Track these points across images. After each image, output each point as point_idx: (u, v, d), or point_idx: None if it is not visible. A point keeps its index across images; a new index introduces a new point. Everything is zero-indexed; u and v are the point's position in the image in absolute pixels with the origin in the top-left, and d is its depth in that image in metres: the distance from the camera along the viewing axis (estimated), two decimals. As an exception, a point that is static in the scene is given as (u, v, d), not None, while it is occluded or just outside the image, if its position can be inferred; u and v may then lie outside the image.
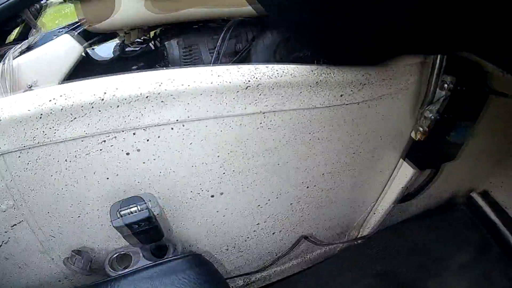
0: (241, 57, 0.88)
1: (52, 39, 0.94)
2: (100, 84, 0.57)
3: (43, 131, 0.58)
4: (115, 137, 0.59)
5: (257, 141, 0.64)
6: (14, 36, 1.07)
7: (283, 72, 0.58)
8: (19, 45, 0.95)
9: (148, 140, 0.60)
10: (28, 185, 0.63)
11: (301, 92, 0.59)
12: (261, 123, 0.62)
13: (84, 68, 0.98)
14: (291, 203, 0.75)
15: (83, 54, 1.00)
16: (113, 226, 0.58)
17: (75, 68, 0.92)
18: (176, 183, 0.65)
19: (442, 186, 0.87)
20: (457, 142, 0.76)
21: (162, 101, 0.58)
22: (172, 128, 0.60)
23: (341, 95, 0.60)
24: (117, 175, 0.63)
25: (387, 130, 0.70)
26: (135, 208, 0.59)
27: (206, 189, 0.67)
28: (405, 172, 0.78)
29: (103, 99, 0.56)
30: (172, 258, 0.65)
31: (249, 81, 0.57)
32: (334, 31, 0.53)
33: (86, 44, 0.99)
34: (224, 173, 0.66)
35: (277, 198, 0.73)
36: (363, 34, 0.51)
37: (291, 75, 0.58)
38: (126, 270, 0.67)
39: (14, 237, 0.71)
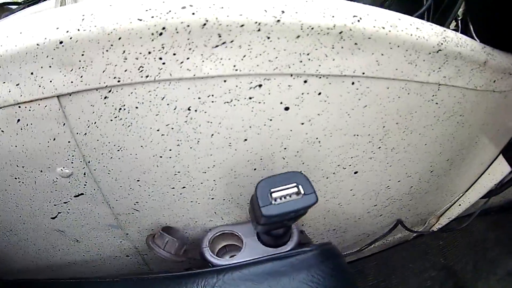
0: None
1: None
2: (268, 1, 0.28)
3: (161, 59, 0.30)
4: (279, 83, 0.32)
5: (422, 115, 0.42)
6: None
7: (465, 42, 0.36)
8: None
9: (319, 94, 0.34)
10: (112, 143, 0.36)
11: (471, 69, 0.38)
12: (433, 95, 0.40)
13: None
14: (411, 186, 0.54)
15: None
16: (262, 214, 0.33)
17: None
18: (329, 154, 0.40)
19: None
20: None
21: (355, 44, 0.32)
22: (353, 83, 0.34)
23: (494, 81, 0.41)
24: (260, 136, 0.36)
25: (502, 124, 0.54)
26: (294, 190, 0.34)
27: (355, 164, 0.43)
28: (501, 169, 0.62)
29: (279, 20, 0.28)
30: (306, 249, 0.42)
31: (441, 43, 0.34)
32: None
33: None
34: (380, 147, 0.42)
35: (404, 179, 0.52)
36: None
37: (470, 48, 0.36)
38: (240, 258, 0.43)
39: (77, 209, 0.44)
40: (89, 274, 0.58)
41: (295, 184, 0.34)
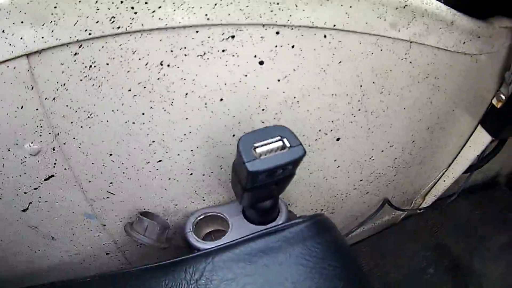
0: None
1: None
2: None
3: (133, 8, 0.29)
4: (252, 34, 0.31)
5: (398, 74, 0.41)
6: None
7: (430, 1, 0.37)
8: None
9: (293, 47, 0.33)
10: (82, 108, 0.33)
11: (440, 28, 0.39)
12: (406, 53, 0.39)
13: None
14: (395, 158, 0.52)
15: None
16: (246, 170, 0.30)
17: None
18: (308, 117, 0.39)
19: (490, 162, 0.70)
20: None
21: None
22: (325, 36, 0.34)
23: (464, 43, 0.41)
24: (237, 95, 0.34)
25: (476, 91, 0.54)
26: (279, 143, 0.31)
27: (336, 128, 0.41)
28: (482, 139, 0.61)
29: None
30: (297, 221, 0.38)
31: None
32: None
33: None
34: (360, 109, 0.41)
35: (387, 150, 0.50)
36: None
37: (435, 6, 0.37)
38: (227, 239, 0.39)
39: (48, 195, 0.39)
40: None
41: (279, 137, 0.31)
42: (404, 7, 0.35)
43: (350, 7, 0.33)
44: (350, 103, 0.40)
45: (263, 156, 0.31)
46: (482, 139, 0.60)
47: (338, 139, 0.43)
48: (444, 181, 0.67)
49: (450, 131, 0.55)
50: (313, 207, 0.51)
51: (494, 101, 0.56)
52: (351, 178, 0.49)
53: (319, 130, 0.40)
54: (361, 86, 0.39)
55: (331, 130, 0.41)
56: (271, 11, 0.31)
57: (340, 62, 0.36)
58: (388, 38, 0.36)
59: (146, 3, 0.28)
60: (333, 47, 0.35)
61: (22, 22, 0.29)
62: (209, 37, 0.30)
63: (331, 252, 0.38)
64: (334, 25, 0.33)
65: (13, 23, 0.29)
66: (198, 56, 0.31)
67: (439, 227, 0.76)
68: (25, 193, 0.39)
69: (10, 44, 0.29)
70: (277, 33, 0.32)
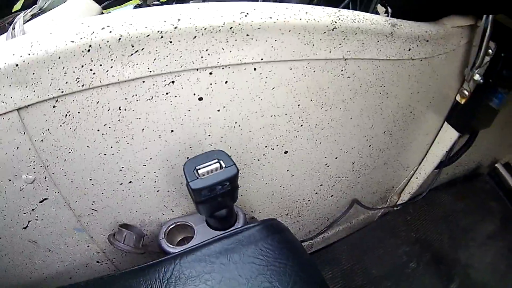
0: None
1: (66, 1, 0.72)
2: (173, 10, 0.39)
3: (91, 70, 0.40)
4: (188, 78, 0.42)
5: (336, 90, 0.49)
6: (20, 4, 0.82)
7: (363, 17, 0.45)
8: (30, 9, 0.71)
9: (226, 82, 0.43)
10: (64, 146, 0.44)
11: (378, 41, 0.46)
12: (342, 70, 0.48)
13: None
14: (353, 163, 0.61)
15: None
16: (190, 188, 0.41)
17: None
18: (252, 136, 0.49)
19: (469, 155, 0.78)
20: (495, 109, 0.66)
21: (247, 35, 0.41)
22: (255, 69, 0.44)
23: (409, 49, 0.49)
24: (184, 126, 0.45)
25: (436, 91, 0.61)
26: (216, 165, 0.42)
27: (282, 143, 0.51)
28: (449, 136, 0.68)
29: (176, 27, 0.39)
30: (250, 225, 0.49)
31: (335, 22, 0.43)
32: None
33: (105, 4, 0.77)
34: (302, 125, 0.51)
35: (342, 156, 0.59)
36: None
37: (370, 22, 0.45)
38: (192, 244, 0.50)
39: (44, 215, 0.52)
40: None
41: (216, 160, 0.42)
42: (333, 30, 0.43)
43: (275, 40, 0.42)
44: (290, 121, 0.50)
45: (204, 176, 0.42)
46: (449, 135, 0.67)
47: (286, 152, 0.53)
48: (417, 178, 0.75)
49: (413, 132, 0.63)
50: (277, 212, 0.61)
51: (458, 98, 0.64)
52: (309, 184, 0.59)
53: (265, 146, 0.51)
54: (299, 105, 0.49)
55: (277, 145, 0.51)
56: (202, 57, 0.41)
57: (273, 88, 0.46)
58: (319, 60, 0.45)
59: (101, 65, 0.40)
60: (265, 77, 0.45)
61: (10, 85, 0.41)
62: (153, 84, 0.41)
63: (281, 251, 0.49)
64: (262, 59, 0.43)
65: (3, 86, 0.41)
66: (147, 100, 0.42)
67: (419, 221, 0.84)
68: (24, 213, 0.52)
69: (2, 102, 0.42)
70: (210, 73, 0.42)
